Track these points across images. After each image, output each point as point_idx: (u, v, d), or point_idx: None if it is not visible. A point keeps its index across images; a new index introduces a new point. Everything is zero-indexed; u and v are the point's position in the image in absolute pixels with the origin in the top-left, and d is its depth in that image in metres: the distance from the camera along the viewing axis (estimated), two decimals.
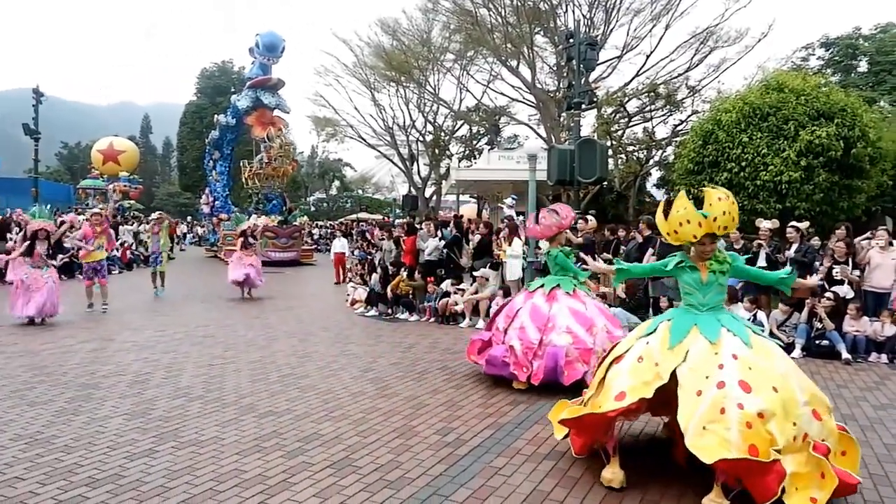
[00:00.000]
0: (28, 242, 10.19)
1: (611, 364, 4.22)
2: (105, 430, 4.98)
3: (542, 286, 6.86)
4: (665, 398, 3.92)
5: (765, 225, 9.97)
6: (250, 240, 14.07)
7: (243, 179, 26.80)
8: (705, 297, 4.10)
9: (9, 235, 17.21)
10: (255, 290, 13.97)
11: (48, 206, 11.27)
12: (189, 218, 48.43)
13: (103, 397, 5.93)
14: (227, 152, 28.11)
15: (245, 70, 27.17)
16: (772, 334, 8.72)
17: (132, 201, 38.73)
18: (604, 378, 4.20)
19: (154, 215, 15.49)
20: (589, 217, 12.28)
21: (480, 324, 10.41)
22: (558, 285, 6.74)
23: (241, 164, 27.13)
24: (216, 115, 28.80)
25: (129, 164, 40.53)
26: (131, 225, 26.63)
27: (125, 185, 38.80)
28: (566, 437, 4.53)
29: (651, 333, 4.18)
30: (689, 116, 22.56)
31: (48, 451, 4.52)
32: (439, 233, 13.09)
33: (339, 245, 19.23)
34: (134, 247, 23.65)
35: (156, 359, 7.66)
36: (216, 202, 28.01)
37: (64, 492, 3.86)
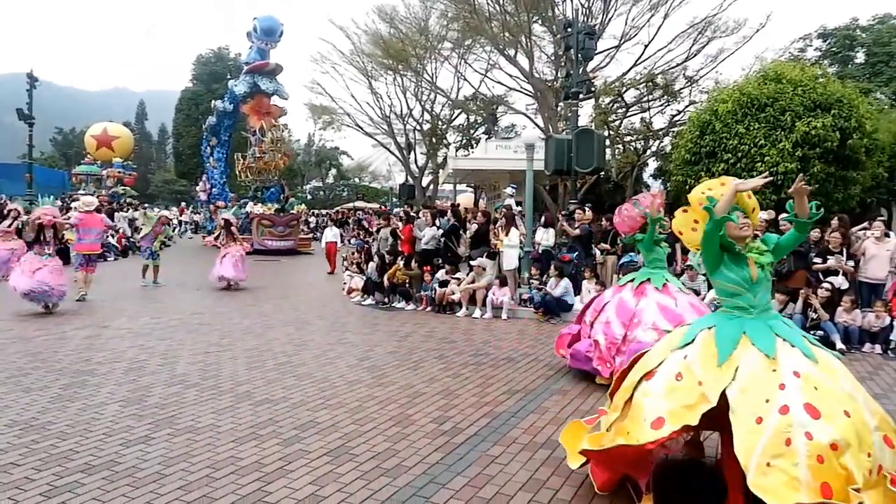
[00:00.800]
0: (36, 231, 10.00)
1: (639, 381, 3.62)
2: (101, 417, 4.98)
3: (633, 280, 6.58)
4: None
5: (761, 215, 9.98)
6: (233, 230, 13.87)
7: (237, 172, 26.60)
8: (756, 298, 3.45)
9: (4, 223, 17.14)
10: (243, 281, 13.53)
11: (51, 198, 11.21)
12: (182, 204, 48.22)
13: (99, 384, 5.92)
14: (225, 139, 27.84)
15: (242, 57, 26.85)
16: None
17: (126, 188, 38.52)
18: (631, 398, 3.62)
19: (156, 213, 15.30)
20: (585, 207, 12.28)
21: (477, 313, 10.44)
22: (648, 279, 6.42)
23: (235, 157, 26.91)
24: (213, 101, 28.45)
25: (124, 151, 40.28)
26: (126, 212, 26.51)
27: (119, 172, 38.56)
28: (583, 465, 3.88)
29: (689, 344, 3.53)
30: (686, 107, 22.54)
31: (43, 438, 4.51)
32: (437, 222, 13.08)
33: (331, 234, 18.86)
34: (129, 234, 23.55)
35: (151, 346, 7.65)
36: (213, 189, 27.79)
37: (59, 478, 3.86)
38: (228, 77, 41.76)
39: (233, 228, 14.02)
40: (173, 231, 28.70)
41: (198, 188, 31.47)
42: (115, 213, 23.86)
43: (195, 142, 49.66)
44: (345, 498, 3.68)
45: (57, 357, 6.97)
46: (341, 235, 21.79)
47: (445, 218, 13.38)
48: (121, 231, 22.20)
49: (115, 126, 41.94)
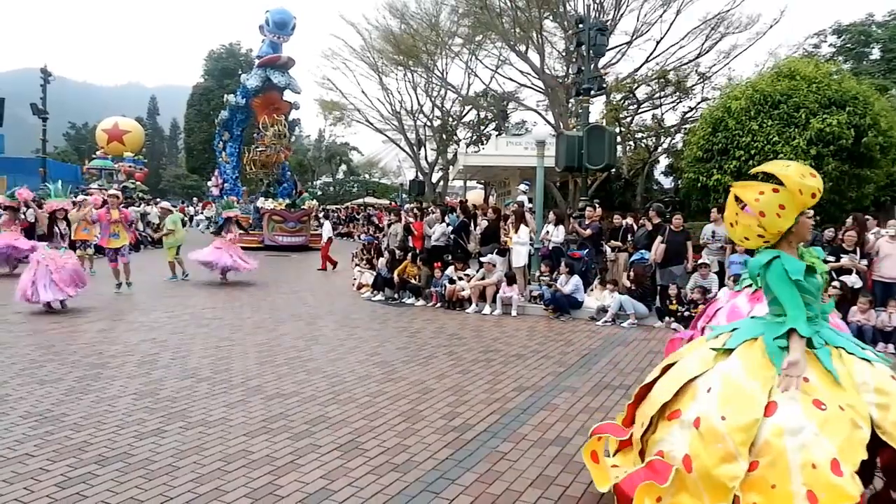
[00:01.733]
0: (48, 224, 9.76)
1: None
2: (114, 410, 5.02)
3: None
4: None
5: None
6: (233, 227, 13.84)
7: (244, 164, 26.66)
8: (819, 304, 3.14)
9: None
10: (238, 273, 13.59)
11: (62, 183, 10.68)
12: (207, 199, 48.38)
13: (112, 377, 5.97)
14: (237, 133, 27.61)
15: (253, 52, 26.79)
16: None
17: (137, 182, 38.73)
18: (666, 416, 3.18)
19: (160, 205, 15.14)
20: (594, 204, 12.22)
21: (487, 310, 10.44)
22: None
23: (243, 149, 27.00)
24: (226, 95, 28.38)
25: (134, 145, 40.48)
26: (138, 206, 26.69)
27: (130, 166, 38.79)
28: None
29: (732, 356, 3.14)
30: (698, 103, 22.44)
31: (58, 429, 4.56)
32: (446, 218, 13.08)
33: (325, 231, 17.95)
34: (142, 228, 23.72)
35: (163, 340, 7.71)
36: (225, 184, 27.67)
37: (73, 469, 3.90)
38: (240, 73, 41.88)
39: (233, 226, 13.89)
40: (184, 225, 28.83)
41: (210, 183, 31.54)
42: (128, 208, 24.04)
43: (206, 137, 49.92)
44: (355, 492, 3.70)
45: (70, 350, 7.04)
46: (343, 233, 21.61)
47: (455, 214, 13.38)
48: (133, 226, 22.34)
49: (126, 120, 42.15)
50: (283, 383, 5.92)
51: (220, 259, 13.06)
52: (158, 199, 36.26)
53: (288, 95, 26.07)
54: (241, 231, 13.94)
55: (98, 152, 39.59)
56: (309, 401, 5.40)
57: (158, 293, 11.77)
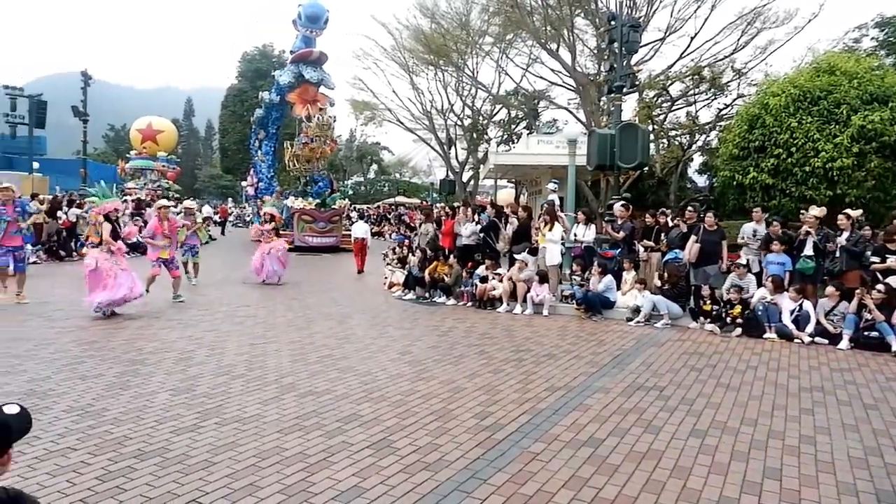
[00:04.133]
0: (109, 226, 9.38)
1: None
2: (152, 405, 5.13)
3: None
4: None
5: (812, 212, 9.68)
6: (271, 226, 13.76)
7: (286, 161, 25.83)
8: None
9: (59, 213, 17.88)
10: (282, 275, 13.57)
11: (107, 183, 10.38)
12: (230, 200, 49.07)
13: (150, 373, 6.10)
14: (273, 131, 27.15)
15: (286, 54, 26.77)
16: (818, 323, 8.50)
17: (170, 182, 39.44)
18: None
19: (183, 204, 15.14)
20: (622, 204, 12.06)
21: (517, 309, 10.40)
22: None
23: (285, 145, 26.16)
24: (260, 93, 28.05)
25: (168, 145, 41.19)
26: (176, 207, 27.19)
27: (163, 166, 39.55)
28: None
29: None
30: (734, 100, 21.93)
31: (99, 423, 4.68)
32: (476, 217, 13.06)
33: (361, 230, 17.09)
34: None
35: (199, 337, 7.85)
36: (261, 183, 27.39)
37: (113, 462, 3.99)
38: (273, 73, 42.39)
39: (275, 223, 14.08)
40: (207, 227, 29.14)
41: (245, 183, 31.81)
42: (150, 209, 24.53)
43: (240, 138, 50.70)
44: (387, 490, 3.71)
45: (110, 346, 7.22)
46: (375, 233, 21.09)
47: (485, 214, 13.34)
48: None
49: (160, 120, 42.85)
50: (315, 381, 5.98)
51: (264, 266, 13.17)
52: (192, 198, 37.03)
53: (323, 91, 25.20)
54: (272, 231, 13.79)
55: (132, 152, 40.42)
56: (341, 399, 5.44)
57: (193, 291, 11.97)
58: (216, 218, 37.55)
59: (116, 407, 5.06)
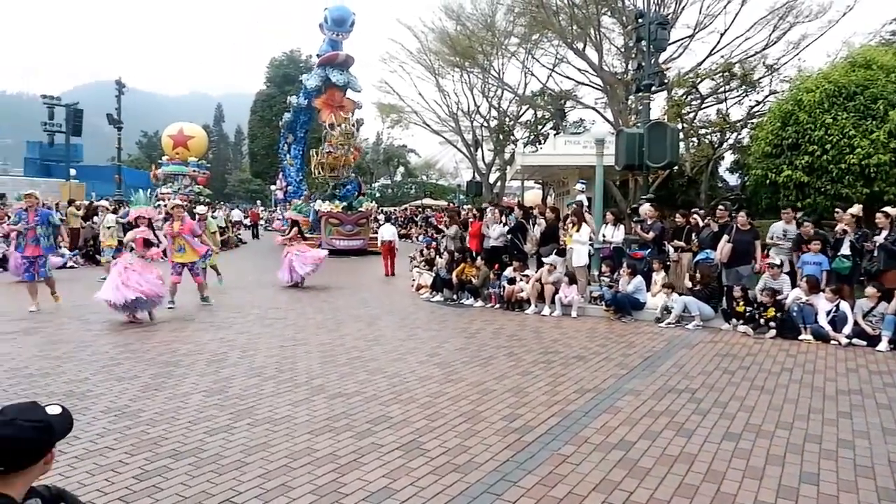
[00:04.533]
0: (142, 231, 9.42)
1: None
2: (186, 406, 5.23)
3: None
4: None
5: (849, 210, 9.45)
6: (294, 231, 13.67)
7: (312, 168, 25.87)
8: None
9: (94, 218, 18.32)
10: (309, 278, 13.38)
11: (145, 191, 10.25)
12: (259, 203, 49.54)
13: (184, 374, 6.22)
14: (301, 135, 27.14)
15: (313, 59, 26.85)
16: (856, 324, 8.29)
17: (200, 186, 40.02)
18: None
19: (195, 210, 14.66)
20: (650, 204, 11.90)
21: (546, 310, 10.35)
22: None
23: (311, 153, 26.15)
24: (289, 97, 28.17)
25: (198, 150, 41.75)
26: (213, 212, 27.65)
27: (194, 171, 40.20)
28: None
29: None
30: (766, 97, 21.51)
31: (135, 424, 4.78)
32: (504, 219, 13.04)
33: (388, 232, 16.85)
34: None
35: (231, 339, 7.98)
36: (289, 187, 27.46)
37: (149, 462, 4.08)
38: (300, 77, 42.80)
39: (299, 227, 13.91)
40: (238, 232, 29.36)
41: (274, 186, 32.10)
42: (194, 212, 24.95)
43: (269, 142, 51.38)
44: (417, 492, 3.73)
45: (145, 348, 7.38)
46: (402, 235, 20.76)
47: (512, 215, 13.31)
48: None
49: (191, 126, 43.45)
50: (345, 383, 6.03)
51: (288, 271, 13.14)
52: (222, 203, 37.57)
53: (349, 95, 25.21)
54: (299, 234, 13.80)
55: (164, 158, 41.10)
56: (371, 400, 5.48)
57: (224, 294, 12.16)
58: (246, 222, 38.13)
59: (152, 408, 5.17)
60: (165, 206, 15.32)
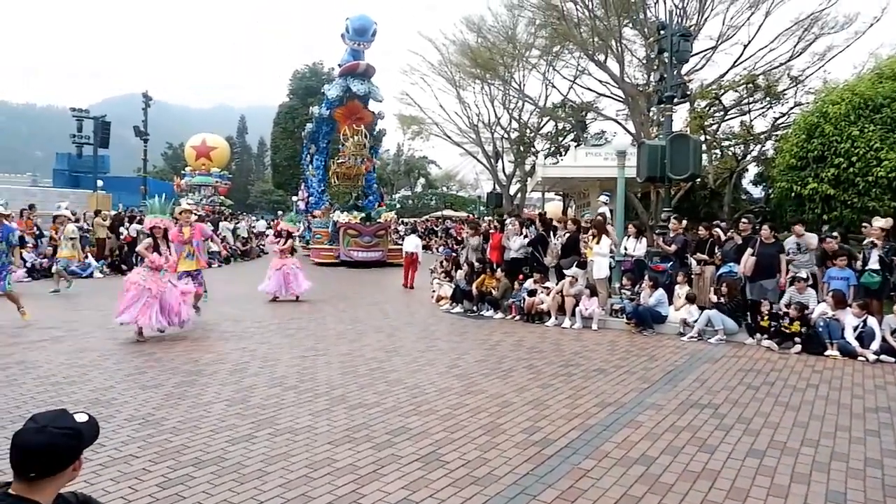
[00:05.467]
0: (150, 241, 9.04)
1: None
2: (208, 415, 5.28)
3: None
4: None
5: (877, 224, 9.29)
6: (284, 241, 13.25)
7: (329, 177, 25.93)
8: None
9: (121, 229, 18.66)
10: (302, 293, 12.88)
11: (159, 199, 9.75)
12: (280, 213, 49.96)
13: (206, 384, 6.29)
14: (323, 146, 27.10)
15: (335, 71, 26.91)
16: (884, 341, 8.13)
17: (221, 196, 40.48)
18: None
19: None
20: (673, 217, 11.80)
21: (566, 323, 10.29)
22: None
23: (329, 162, 26.20)
24: (311, 108, 28.31)
25: (221, 161, 42.26)
26: (229, 221, 28.02)
27: (217, 181, 40.75)
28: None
29: None
30: (791, 109, 21.29)
31: (158, 432, 4.84)
32: (524, 231, 13.02)
33: (412, 244, 16.75)
34: (232, 242, 24.87)
35: (253, 349, 8.05)
36: (311, 198, 27.51)
37: (173, 471, 4.13)
38: (322, 90, 43.11)
39: (291, 240, 13.43)
40: (261, 243, 29.56)
41: (295, 198, 32.28)
42: (220, 223, 25.29)
43: (291, 154, 51.83)
44: None
45: (169, 357, 7.48)
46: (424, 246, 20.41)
47: (532, 227, 13.29)
48: (224, 240, 23.48)
49: (214, 137, 43.96)
50: (365, 394, 6.05)
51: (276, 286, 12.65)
52: (244, 213, 37.90)
53: (372, 105, 24.98)
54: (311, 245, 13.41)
55: (187, 168, 41.68)
56: (390, 412, 5.49)
57: (246, 303, 12.26)
58: (269, 232, 38.48)
59: (175, 416, 5.23)
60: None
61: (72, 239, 14.41)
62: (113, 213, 21.74)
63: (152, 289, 8.48)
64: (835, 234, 9.92)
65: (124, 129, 43.15)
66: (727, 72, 22.19)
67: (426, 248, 31.75)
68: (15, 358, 7.25)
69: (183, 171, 42.31)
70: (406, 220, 43.86)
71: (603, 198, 15.24)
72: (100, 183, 32.62)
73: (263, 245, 29.75)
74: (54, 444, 1.82)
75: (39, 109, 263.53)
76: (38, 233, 17.09)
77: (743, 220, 11.20)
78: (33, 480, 1.81)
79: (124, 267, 17.89)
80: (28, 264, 15.49)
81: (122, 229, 18.73)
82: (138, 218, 20.16)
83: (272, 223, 38.15)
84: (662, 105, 13.05)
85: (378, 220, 23.15)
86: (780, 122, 21.76)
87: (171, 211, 9.95)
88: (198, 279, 10.34)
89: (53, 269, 13.86)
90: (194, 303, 9.90)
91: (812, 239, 9.98)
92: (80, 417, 1.95)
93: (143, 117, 30.28)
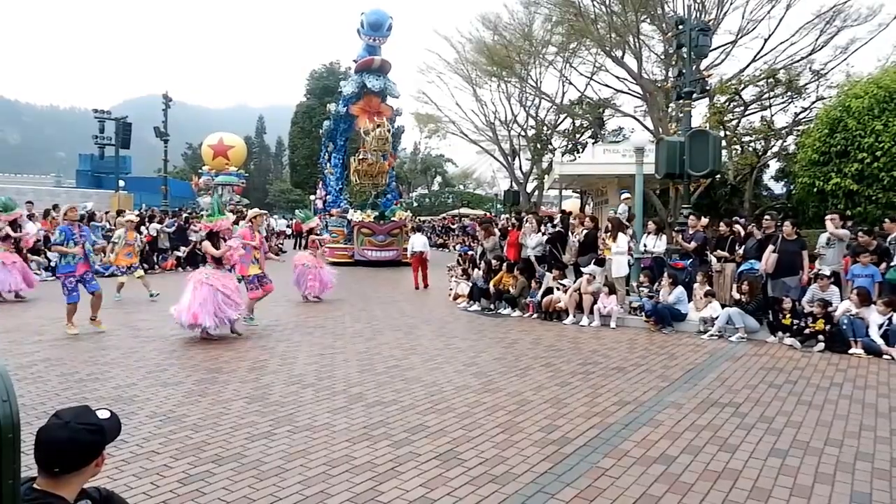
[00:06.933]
0: (209, 244, 8.87)
1: None
2: (228, 412, 5.33)
3: None
4: None
5: None
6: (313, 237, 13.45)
7: (350, 175, 25.57)
8: None
9: (142, 228, 18.88)
10: (326, 292, 12.90)
11: (217, 196, 9.19)
12: (297, 211, 50.24)
13: (226, 381, 6.35)
14: (341, 144, 27.02)
15: (352, 70, 26.94)
16: None
17: (238, 196, 40.74)
18: None
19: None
20: (693, 215, 11.68)
21: (584, 321, 10.24)
22: None
23: (350, 160, 25.84)
24: (328, 105, 28.32)
25: (238, 160, 42.47)
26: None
27: (238, 181, 41.05)
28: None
29: None
30: (813, 103, 20.99)
31: (179, 429, 4.90)
32: (542, 228, 12.98)
33: (419, 243, 15.77)
34: None
35: (271, 347, 8.11)
36: (329, 196, 27.51)
37: (193, 467, 4.17)
38: (339, 88, 43.16)
39: (313, 235, 13.58)
40: (280, 242, 29.74)
41: (313, 196, 32.38)
42: (240, 222, 25.43)
43: (309, 153, 52.23)
44: (454, 502, 3.72)
45: (189, 354, 7.56)
46: (439, 244, 20.23)
47: (551, 224, 13.25)
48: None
49: (231, 136, 44.17)
50: (382, 391, 6.07)
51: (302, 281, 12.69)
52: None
53: (389, 101, 24.63)
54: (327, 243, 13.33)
55: (204, 167, 41.96)
56: (408, 409, 5.50)
57: (265, 301, 12.29)
58: (289, 231, 38.72)
59: (195, 413, 5.29)
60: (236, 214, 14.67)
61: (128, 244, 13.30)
62: (135, 212, 21.98)
63: (219, 286, 8.39)
64: (862, 229, 9.75)
65: (144, 129, 43.67)
66: (747, 66, 21.93)
67: (444, 246, 31.80)
68: (40, 355, 7.39)
69: (201, 171, 42.64)
70: (419, 217, 43.82)
71: (625, 195, 15.12)
72: (121, 183, 33.09)
73: (282, 244, 29.92)
74: (77, 439, 1.84)
75: (62, 111, 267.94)
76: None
77: (766, 216, 11.05)
78: (57, 476, 1.84)
79: (146, 265, 18.15)
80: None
81: (142, 228, 18.95)
82: (158, 217, 20.45)
83: (292, 222, 38.33)
84: (681, 101, 12.93)
85: (392, 219, 22.84)
86: (801, 116, 21.45)
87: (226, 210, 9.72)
88: (266, 279, 10.09)
89: (122, 279, 12.95)
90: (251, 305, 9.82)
91: (845, 233, 9.82)
92: (103, 414, 1.98)
93: (163, 118, 30.57)
